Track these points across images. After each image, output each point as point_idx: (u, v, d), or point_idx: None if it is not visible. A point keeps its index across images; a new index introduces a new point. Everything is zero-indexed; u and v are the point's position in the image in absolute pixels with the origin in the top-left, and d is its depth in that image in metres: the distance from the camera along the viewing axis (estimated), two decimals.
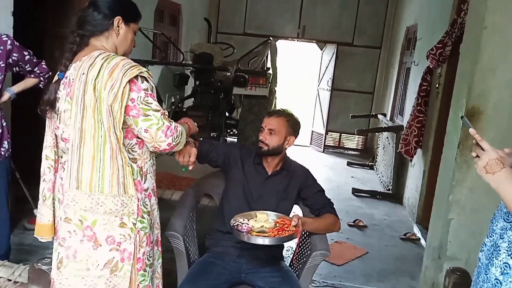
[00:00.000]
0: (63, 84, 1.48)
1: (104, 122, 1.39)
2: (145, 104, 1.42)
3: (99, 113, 1.38)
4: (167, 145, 1.46)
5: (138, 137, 1.47)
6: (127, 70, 1.39)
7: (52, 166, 1.55)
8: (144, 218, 1.50)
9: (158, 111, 1.44)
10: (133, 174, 1.47)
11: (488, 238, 1.26)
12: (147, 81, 1.44)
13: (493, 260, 1.21)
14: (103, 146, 1.40)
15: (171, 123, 1.47)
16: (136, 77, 1.41)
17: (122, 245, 1.45)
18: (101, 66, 1.39)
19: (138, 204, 1.47)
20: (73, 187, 1.43)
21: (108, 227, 1.44)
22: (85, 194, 1.42)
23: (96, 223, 1.43)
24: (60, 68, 1.48)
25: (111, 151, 1.41)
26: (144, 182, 1.53)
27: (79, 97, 1.39)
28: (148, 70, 1.48)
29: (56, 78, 1.50)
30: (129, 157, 1.46)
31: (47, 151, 1.57)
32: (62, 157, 1.55)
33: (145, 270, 1.53)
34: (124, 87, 1.38)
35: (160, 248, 1.67)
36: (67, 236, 1.46)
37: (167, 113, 1.48)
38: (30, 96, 2.88)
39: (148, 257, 1.54)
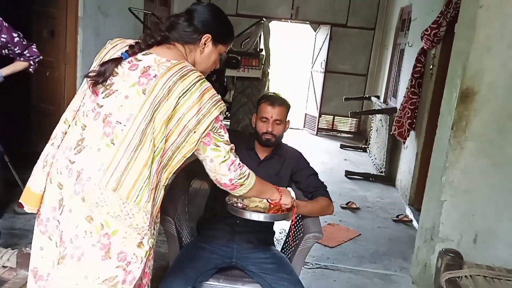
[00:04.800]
0: (129, 62, 1.36)
1: (164, 138, 1.32)
2: (219, 135, 1.41)
3: (166, 126, 1.31)
4: (229, 180, 1.46)
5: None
6: (216, 103, 1.36)
7: (65, 132, 1.42)
8: (155, 229, 1.44)
9: (228, 145, 1.43)
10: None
11: None
12: (223, 113, 1.42)
13: None
14: (156, 159, 1.31)
15: (236, 158, 1.46)
16: None
17: (130, 266, 1.32)
18: (193, 84, 1.33)
19: (155, 226, 1.42)
20: (110, 187, 1.28)
21: (126, 242, 1.31)
22: (120, 199, 1.28)
23: (116, 234, 1.30)
24: (128, 51, 1.37)
25: (156, 170, 1.33)
26: None
27: (156, 99, 1.30)
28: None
29: (117, 55, 1.37)
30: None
31: (69, 115, 1.43)
32: (81, 137, 1.35)
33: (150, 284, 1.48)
34: (212, 120, 1.35)
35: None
36: (81, 236, 1.30)
37: (234, 148, 1.46)
38: (19, 79, 2.82)
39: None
